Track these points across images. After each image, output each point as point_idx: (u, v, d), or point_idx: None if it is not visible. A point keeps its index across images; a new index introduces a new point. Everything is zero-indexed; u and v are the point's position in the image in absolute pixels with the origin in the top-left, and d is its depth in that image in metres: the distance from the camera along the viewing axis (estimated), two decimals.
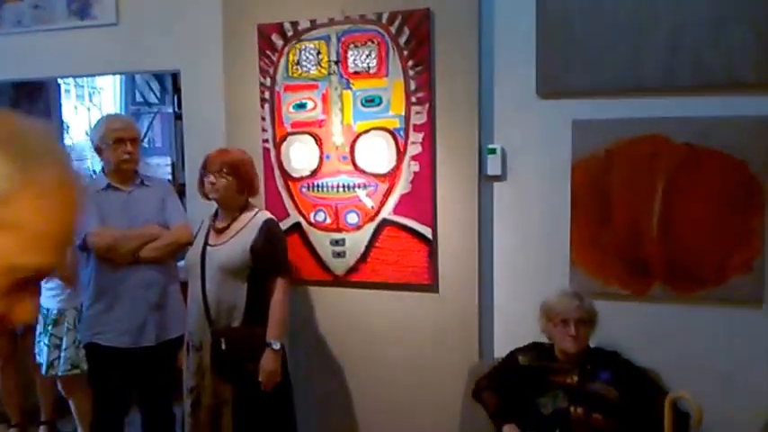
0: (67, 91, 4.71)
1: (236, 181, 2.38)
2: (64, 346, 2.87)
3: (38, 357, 3.02)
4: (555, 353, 2.26)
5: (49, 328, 2.92)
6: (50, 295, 2.95)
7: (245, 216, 2.41)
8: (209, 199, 2.43)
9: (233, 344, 2.32)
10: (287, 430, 2.43)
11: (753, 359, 2.28)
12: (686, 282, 2.31)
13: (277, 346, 2.31)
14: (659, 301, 2.35)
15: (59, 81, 4.26)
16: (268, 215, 2.45)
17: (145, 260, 2.49)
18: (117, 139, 2.50)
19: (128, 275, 2.48)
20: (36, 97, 4.02)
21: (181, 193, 2.91)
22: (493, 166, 2.49)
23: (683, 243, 2.30)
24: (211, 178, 2.37)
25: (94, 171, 4.71)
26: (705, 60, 2.23)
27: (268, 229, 2.37)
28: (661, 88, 2.29)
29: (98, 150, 2.55)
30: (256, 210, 2.45)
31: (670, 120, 2.28)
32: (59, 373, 2.91)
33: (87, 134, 4.84)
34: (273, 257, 2.37)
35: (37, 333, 3.03)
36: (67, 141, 4.50)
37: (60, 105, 4.29)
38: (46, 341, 2.92)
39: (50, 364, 2.91)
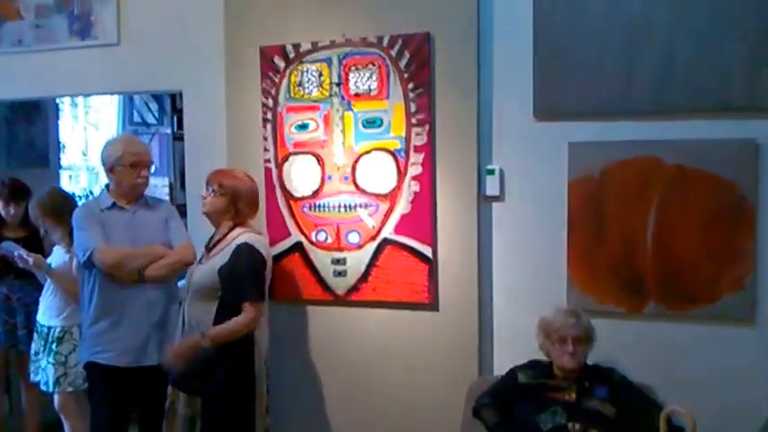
0: (61, 110, 4.71)
1: (227, 203, 2.38)
2: (71, 363, 2.86)
3: (33, 377, 3.00)
4: (553, 370, 2.30)
5: (53, 346, 2.90)
6: (53, 314, 2.94)
7: (231, 236, 2.38)
8: None
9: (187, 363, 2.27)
10: None
11: (744, 375, 2.33)
12: (680, 300, 2.36)
13: (204, 340, 2.24)
14: (654, 318, 2.40)
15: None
16: (246, 238, 2.35)
17: (149, 279, 2.50)
18: (135, 163, 2.54)
19: (132, 295, 2.49)
20: (33, 117, 4.02)
21: (181, 213, 2.93)
22: (491, 187, 2.55)
23: (676, 262, 2.36)
24: (205, 192, 2.40)
25: (91, 191, 4.73)
26: (696, 84, 2.31)
27: (238, 253, 2.30)
28: (654, 111, 2.37)
29: (111, 169, 2.56)
30: (244, 230, 2.39)
31: (662, 142, 2.36)
32: (68, 390, 2.90)
33: (83, 153, 4.86)
34: (237, 284, 2.28)
35: (32, 353, 3.02)
36: (63, 161, 4.50)
37: (58, 125, 4.30)
38: (51, 360, 2.90)
39: (57, 381, 2.89)
